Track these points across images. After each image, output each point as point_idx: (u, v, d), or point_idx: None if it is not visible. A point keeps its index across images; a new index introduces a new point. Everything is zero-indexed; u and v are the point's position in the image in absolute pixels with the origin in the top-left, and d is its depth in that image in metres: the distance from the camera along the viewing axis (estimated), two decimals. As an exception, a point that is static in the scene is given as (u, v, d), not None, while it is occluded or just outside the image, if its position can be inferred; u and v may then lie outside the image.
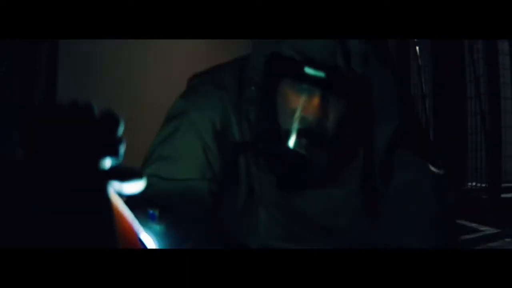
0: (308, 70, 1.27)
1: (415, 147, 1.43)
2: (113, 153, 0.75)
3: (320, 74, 1.27)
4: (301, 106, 1.31)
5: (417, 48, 3.42)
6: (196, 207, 1.40)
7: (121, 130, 0.76)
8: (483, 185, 2.87)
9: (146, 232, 0.83)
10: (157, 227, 1.17)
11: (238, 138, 1.41)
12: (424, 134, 1.67)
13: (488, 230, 2.51)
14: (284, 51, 1.30)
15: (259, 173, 1.42)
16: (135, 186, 0.76)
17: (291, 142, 1.31)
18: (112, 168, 0.75)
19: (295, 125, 1.32)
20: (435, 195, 1.44)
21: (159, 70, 3.63)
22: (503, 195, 2.60)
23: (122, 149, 0.75)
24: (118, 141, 0.76)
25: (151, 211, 1.23)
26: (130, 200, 0.79)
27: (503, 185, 2.65)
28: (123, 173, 0.75)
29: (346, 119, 1.34)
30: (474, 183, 3.01)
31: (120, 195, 0.77)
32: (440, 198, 1.44)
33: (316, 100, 1.30)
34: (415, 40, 3.45)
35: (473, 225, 2.68)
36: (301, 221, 1.43)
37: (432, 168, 1.48)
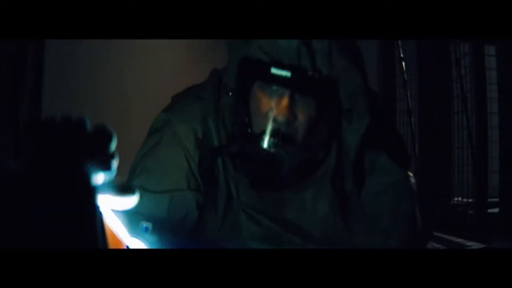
0: (274, 71, 1.30)
1: (390, 150, 1.45)
2: (106, 167, 0.74)
3: (286, 74, 1.30)
4: (272, 107, 1.34)
5: (403, 62, 3.43)
6: (184, 217, 1.41)
7: (113, 144, 0.76)
8: (469, 200, 2.86)
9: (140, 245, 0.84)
10: (151, 240, 1.19)
11: (217, 144, 1.43)
12: (398, 136, 1.68)
13: (474, 245, 2.50)
14: (253, 54, 1.32)
15: (236, 175, 1.43)
16: (127, 202, 0.76)
17: (263, 143, 1.34)
18: (104, 184, 0.74)
19: (267, 127, 1.35)
20: (411, 200, 1.46)
21: (148, 71, 3.62)
22: (489, 210, 2.59)
23: (114, 163, 0.75)
24: (111, 156, 0.75)
25: (144, 225, 1.25)
26: (118, 213, 0.79)
27: (490, 200, 2.64)
28: (116, 189, 0.75)
29: (316, 119, 1.37)
30: (460, 198, 3.00)
31: (113, 210, 0.77)
32: (414, 203, 1.46)
33: (285, 101, 1.33)
34: (401, 55, 3.45)
35: (459, 240, 2.67)
36: (279, 222, 1.44)
37: (408, 173, 1.49)
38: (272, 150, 1.34)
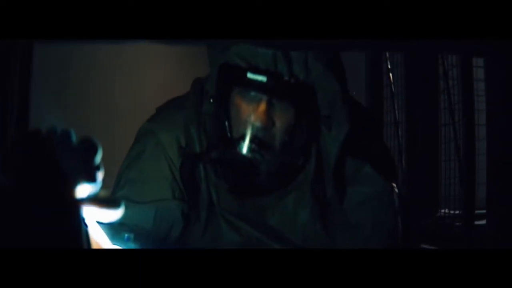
0: (250, 76, 1.33)
1: (375, 160, 1.45)
2: (91, 180, 0.75)
3: (262, 79, 1.32)
4: (250, 113, 1.37)
5: (390, 74, 3.43)
6: (169, 227, 1.40)
7: (99, 156, 0.77)
8: (456, 212, 2.85)
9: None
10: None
11: (199, 151, 1.45)
12: (383, 147, 1.69)
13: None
14: (231, 60, 1.35)
15: (217, 181, 1.45)
16: (112, 215, 0.76)
17: (242, 149, 1.36)
18: (89, 196, 0.75)
19: (246, 132, 1.37)
20: (393, 211, 1.45)
21: (136, 81, 3.61)
22: (476, 222, 2.57)
23: (100, 175, 0.76)
24: (96, 168, 0.76)
25: (126, 235, 1.26)
26: (103, 225, 0.79)
27: (477, 212, 2.63)
28: (101, 202, 0.76)
29: (294, 125, 1.40)
30: (447, 210, 2.99)
31: (98, 222, 0.78)
32: (397, 214, 1.46)
33: (262, 107, 1.35)
34: (389, 67, 3.46)
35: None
36: (259, 229, 1.44)
37: (392, 185, 1.48)
38: (250, 155, 1.35)
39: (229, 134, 1.41)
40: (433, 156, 3.18)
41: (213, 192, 1.46)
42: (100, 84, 3.53)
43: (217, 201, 1.45)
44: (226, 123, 1.41)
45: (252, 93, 1.38)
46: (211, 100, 1.43)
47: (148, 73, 3.68)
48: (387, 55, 3.46)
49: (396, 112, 3.41)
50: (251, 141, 1.36)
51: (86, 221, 0.75)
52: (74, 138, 0.77)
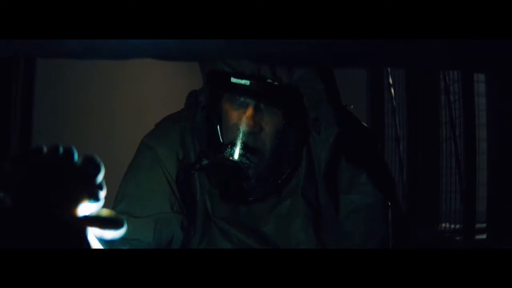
0: (234, 80, 1.34)
1: (371, 171, 1.45)
2: (94, 198, 0.75)
3: (245, 82, 1.34)
4: (239, 119, 1.37)
5: (392, 89, 3.44)
6: (170, 240, 1.40)
7: (101, 175, 0.77)
8: (457, 226, 2.85)
9: None
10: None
11: (194, 160, 1.45)
12: (381, 158, 1.68)
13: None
14: (218, 67, 1.36)
15: (210, 189, 1.45)
16: (115, 233, 0.76)
17: (231, 154, 1.37)
18: (91, 215, 0.75)
19: (235, 138, 1.37)
20: (384, 223, 1.45)
21: (137, 97, 3.62)
22: (476, 237, 2.57)
23: (102, 194, 0.76)
24: (99, 187, 0.76)
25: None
26: (104, 241, 0.79)
27: (477, 226, 2.63)
28: (103, 221, 0.76)
29: (283, 129, 1.39)
30: (447, 224, 2.99)
31: (99, 239, 0.77)
32: (387, 226, 1.46)
33: (249, 112, 1.36)
34: (391, 82, 3.47)
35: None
36: (251, 236, 1.44)
37: (384, 197, 1.48)
38: (240, 161, 1.35)
39: (221, 141, 1.41)
40: (434, 170, 3.19)
41: (207, 200, 1.46)
42: (102, 100, 3.54)
43: (211, 209, 1.45)
44: (218, 130, 1.42)
45: (240, 99, 1.39)
46: (203, 109, 1.45)
47: (150, 89, 3.70)
48: (389, 70, 3.48)
49: (397, 127, 3.42)
50: (241, 146, 1.37)
51: (89, 240, 0.75)
52: (76, 156, 0.77)
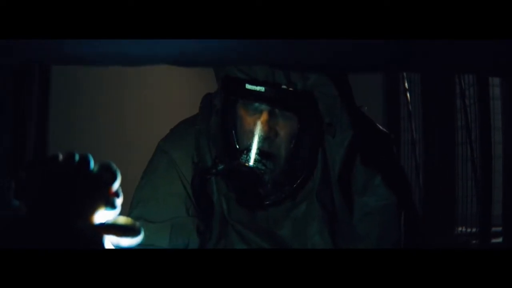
0: (249, 87, 1.36)
1: (386, 174, 1.45)
2: (110, 206, 0.75)
3: (260, 88, 1.35)
4: (254, 124, 1.38)
5: (407, 94, 3.44)
6: (186, 244, 1.41)
7: (118, 182, 0.76)
8: (473, 229, 2.84)
9: None
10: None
11: (209, 164, 1.45)
12: (396, 162, 1.67)
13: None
14: (232, 73, 1.38)
15: (227, 194, 1.46)
16: (132, 241, 0.76)
17: (247, 160, 1.37)
18: (108, 223, 0.75)
19: (250, 143, 1.38)
20: (396, 227, 1.46)
21: (153, 103, 3.62)
22: (492, 240, 2.57)
23: (119, 201, 0.76)
24: (115, 194, 0.76)
25: None
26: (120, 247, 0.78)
27: (493, 229, 2.62)
28: (121, 229, 0.76)
29: (298, 134, 1.40)
30: (463, 228, 2.99)
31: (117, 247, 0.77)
32: (399, 230, 1.46)
33: (264, 117, 1.37)
34: (406, 86, 3.47)
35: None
36: (269, 239, 1.44)
37: (401, 198, 1.48)
38: (256, 166, 1.36)
39: (236, 146, 1.42)
40: (450, 174, 3.18)
41: (224, 203, 1.46)
42: (117, 106, 3.54)
43: (228, 212, 1.46)
44: (233, 135, 1.43)
45: (255, 105, 1.39)
46: (218, 113, 1.45)
47: (166, 95, 3.70)
48: (404, 74, 3.48)
49: (413, 131, 3.42)
50: (256, 152, 1.38)
51: (105, 247, 0.74)
52: (92, 164, 0.76)
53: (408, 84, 3.47)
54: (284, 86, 1.36)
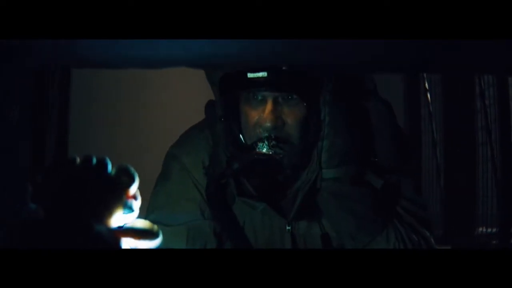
0: (251, 75, 1.34)
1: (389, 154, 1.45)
2: (128, 209, 0.76)
3: (263, 74, 1.33)
4: (259, 117, 1.39)
5: (428, 94, 3.43)
6: (203, 247, 1.42)
7: (135, 185, 0.77)
8: (493, 230, 2.83)
9: None
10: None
11: (222, 167, 1.45)
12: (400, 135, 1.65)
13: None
14: (230, 69, 1.38)
15: (242, 195, 1.45)
16: (151, 243, 0.76)
17: (262, 148, 1.37)
18: (126, 226, 0.76)
19: (260, 134, 1.39)
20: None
21: (167, 108, 3.63)
22: (513, 241, 2.55)
23: (137, 204, 0.77)
24: (133, 197, 0.77)
25: None
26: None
27: (513, 230, 2.61)
28: (139, 232, 0.76)
29: (307, 117, 1.40)
30: (484, 228, 2.97)
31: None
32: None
33: (269, 107, 1.37)
34: (427, 87, 3.46)
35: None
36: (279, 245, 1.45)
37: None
38: (273, 152, 1.36)
39: (246, 142, 1.43)
40: (470, 175, 3.17)
41: (238, 207, 1.48)
42: (136, 110, 3.55)
43: (242, 216, 1.48)
44: (240, 139, 1.44)
45: (258, 97, 1.39)
46: (222, 119, 1.45)
47: (185, 98, 3.71)
48: (425, 75, 3.47)
49: (434, 132, 3.40)
50: (266, 139, 1.37)
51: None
52: (110, 167, 0.77)
53: (428, 84, 3.45)
54: (285, 68, 1.35)
